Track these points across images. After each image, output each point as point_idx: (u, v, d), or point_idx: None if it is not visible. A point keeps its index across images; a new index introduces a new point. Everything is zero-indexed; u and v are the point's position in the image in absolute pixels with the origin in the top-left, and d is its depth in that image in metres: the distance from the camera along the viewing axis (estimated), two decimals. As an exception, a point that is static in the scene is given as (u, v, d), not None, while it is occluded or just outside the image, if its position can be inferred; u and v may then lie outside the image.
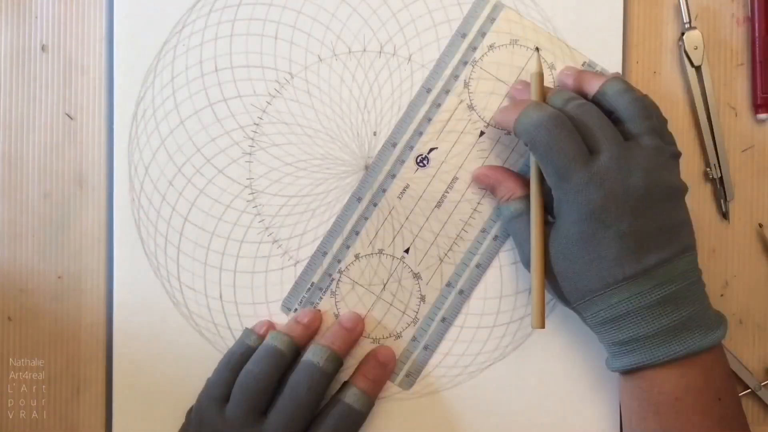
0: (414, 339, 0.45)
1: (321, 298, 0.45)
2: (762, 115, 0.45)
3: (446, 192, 0.45)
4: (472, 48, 0.45)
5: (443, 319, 0.45)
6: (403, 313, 0.45)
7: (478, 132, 0.45)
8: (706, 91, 0.45)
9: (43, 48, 0.46)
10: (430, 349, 0.45)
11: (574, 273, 0.39)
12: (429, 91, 0.45)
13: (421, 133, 0.45)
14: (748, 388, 0.45)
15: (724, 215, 0.45)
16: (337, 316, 0.45)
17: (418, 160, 0.45)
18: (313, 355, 0.41)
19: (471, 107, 0.45)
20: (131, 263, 0.45)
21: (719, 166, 0.45)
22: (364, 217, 0.45)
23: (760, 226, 0.45)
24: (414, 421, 0.45)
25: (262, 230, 0.45)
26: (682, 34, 0.45)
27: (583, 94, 0.41)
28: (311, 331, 0.44)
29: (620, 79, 0.40)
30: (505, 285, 0.45)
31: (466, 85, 0.45)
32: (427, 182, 0.45)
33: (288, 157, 0.45)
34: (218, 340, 0.45)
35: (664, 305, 0.37)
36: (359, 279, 0.45)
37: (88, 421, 0.45)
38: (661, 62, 0.45)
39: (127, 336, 0.45)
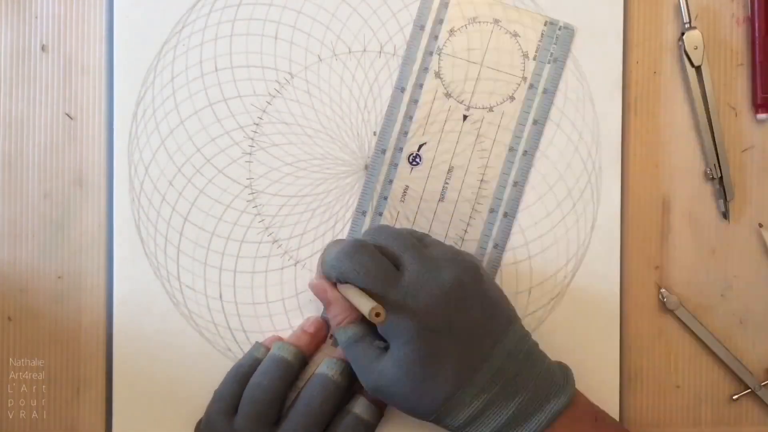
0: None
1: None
2: (762, 115, 0.45)
3: (446, 183, 0.45)
4: (434, 37, 0.45)
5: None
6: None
7: (461, 117, 0.45)
8: (706, 91, 0.45)
9: (43, 48, 0.46)
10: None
11: (422, 389, 0.38)
12: (403, 90, 0.45)
13: (406, 133, 0.45)
14: (748, 388, 0.45)
15: (724, 215, 0.45)
16: None
17: (411, 160, 0.45)
18: (327, 368, 0.41)
19: (448, 95, 0.45)
20: (131, 263, 0.45)
21: (719, 166, 0.45)
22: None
23: (760, 226, 0.45)
24: (414, 421, 0.45)
25: (262, 230, 0.45)
26: (682, 34, 0.45)
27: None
28: (318, 340, 0.44)
29: (334, 243, 0.41)
30: (505, 285, 0.45)
31: (437, 75, 0.45)
32: (425, 179, 0.45)
33: (288, 157, 0.45)
34: (218, 340, 0.45)
35: (514, 384, 0.38)
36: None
37: (88, 421, 0.45)
38: (661, 62, 0.45)
39: (127, 336, 0.45)
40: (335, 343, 0.44)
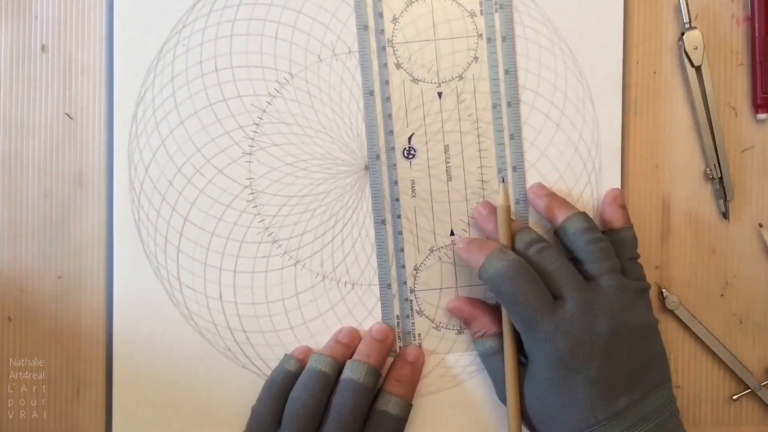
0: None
1: (413, 323, 0.45)
2: (762, 115, 0.45)
3: (447, 162, 0.45)
4: (380, 32, 0.45)
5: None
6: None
7: (436, 95, 0.45)
8: (706, 91, 0.45)
9: (43, 48, 0.46)
10: (430, 349, 0.45)
11: (548, 417, 0.39)
12: (372, 93, 0.45)
13: (392, 132, 0.45)
14: (748, 388, 0.45)
15: (724, 215, 0.45)
16: (437, 328, 0.45)
17: (406, 154, 0.45)
18: (352, 372, 0.41)
19: (415, 80, 0.45)
20: (131, 263, 0.45)
21: (719, 166, 0.45)
22: (398, 232, 0.45)
23: (761, 226, 0.45)
24: (415, 421, 0.45)
25: (262, 230, 0.45)
26: (682, 34, 0.45)
27: (549, 220, 0.43)
28: (352, 349, 0.44)
29: (582, 216, 0.41)
30: (505, 285, 0.45)
31: (398, 66, 0.45)
32: (426, 166, 0.45)
33: (288, 157, 0.45)
34: (218, 340, 0.45)
35: None
36: (432, 284, 0.45)
37: (88, 421, 0.45)
38: (661, 62, 0.45)
39: (127, 336, 0.45)
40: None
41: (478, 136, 0.45)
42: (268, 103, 0.45)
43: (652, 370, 0.39)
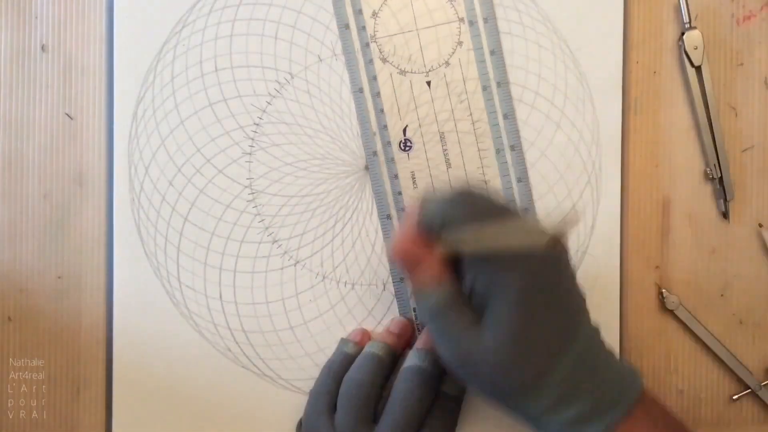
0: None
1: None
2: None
3: (444, 150, 0.45)
4: (362, 28, 0.45)
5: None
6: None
7: (426, 84, 0.45)
8: (706, 91, 0.45)
9: (43, 48, 0.46)
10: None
11: (517, 360, 0.34)
12: (361, 90, 0.45)
13: (385, 126, 0.45)
14: (748, 388, 0.45)
15: (724, 215, 0.45)
16: None
17: (402, 147, 0.45)
18: (417, 359, 0.41)
19: (402, 72, 0.45)
20: (131, 263, 0.45)
21: (719, 166, 0.45)
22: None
23: (760, 226, 0.45)
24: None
25: (262, 230, 0.45)
26: (682, 34, 0.45)
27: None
28: (404, 340, 0.44)
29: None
30: (505, 285, 0.45)
31: (384, 60, 0.45)
32: (425, 157, 0.45)
33: (288, 157, 0.45)
34: (218, 340, 0.45)
35: (591, 377, 0.35)
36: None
37: (88, 421, 0.45)
38: (661, 62, 0.45)
39: (127, 336, 0.45)
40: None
41: (473, 122, 0.45)
42: (268, 103, 0.45)
43: (578, 294, 0.36)
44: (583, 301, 0.37)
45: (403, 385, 0.41)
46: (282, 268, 0.45)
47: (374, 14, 0.45)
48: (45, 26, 0.46)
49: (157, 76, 0.45)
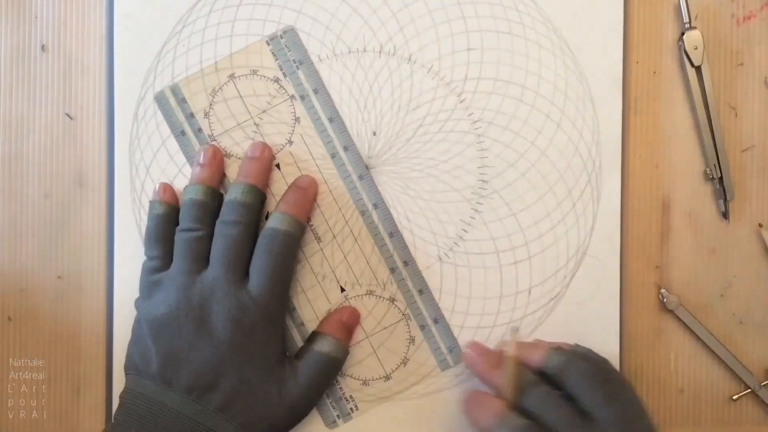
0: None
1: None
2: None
3: (321, 248, 0.45)
4: (197, 130, 0.45)
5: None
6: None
7: (276, 168, 0.45)
8: (706, 91, 0.45)
9: (43, 48, 0.46)
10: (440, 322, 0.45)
11: None
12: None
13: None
14: (749, 388, 0.45)
15: (724, 215, 0.45)
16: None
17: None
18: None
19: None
20: (131, 263, 0.45)
21: (719, 166, 0.45)
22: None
23: (760, 226, 0.45)
24: (414, 421, 0.45)
25: (262, 230, 0.45)
26: (682, 34, 0.45)
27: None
28: (215, 167, 0.44)
29: (558, 351, 0.41)
30: (505, 285, 0.45)
31: (228, 155, 0.45)
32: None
33: (288, 157, 0.45)
34: (218, 340, 0.45)
35: None
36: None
37: (88, 421, 0.45)
38: (661, 62, 0.45)
39: (127, 336, 0.45)
40: None
41: (330, 192, 0.45)
42: (268, 103, 0.45)
43: None
44: None
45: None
46: (282, 268, 0.45)
47: (206, 114, 0.45)
48: (45, 26, 0.46)
49: (157, 76, 0.45)
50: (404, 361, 0.45)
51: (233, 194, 0.42)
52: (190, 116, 0.45)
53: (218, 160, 0.44)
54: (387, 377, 0.45)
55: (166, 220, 0.43)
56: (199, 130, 0.45)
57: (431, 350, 0.45)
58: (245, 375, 0.40)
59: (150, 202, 0.44)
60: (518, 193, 0.45)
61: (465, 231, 0.45)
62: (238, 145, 0.45)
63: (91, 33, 0.46)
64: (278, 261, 0.41)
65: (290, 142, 0.45)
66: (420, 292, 0.45)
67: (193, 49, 0.45)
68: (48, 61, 0.46)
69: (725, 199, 0.45)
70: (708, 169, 0.45)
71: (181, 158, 0.45)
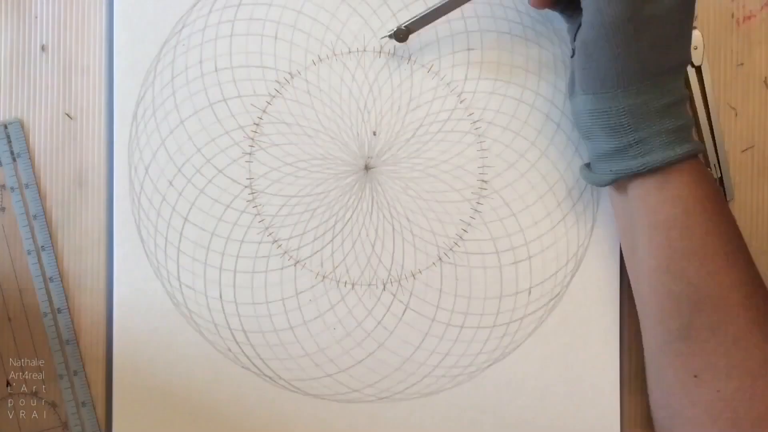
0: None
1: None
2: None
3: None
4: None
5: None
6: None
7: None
8: (706, 91, 0.45)
9: (43, 48, 0.46)
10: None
11: (676, 43, 0.38)
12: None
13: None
14: (748, 388, 0.45)
15: (724, 215, 0.45)
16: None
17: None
18: None
19: None
20: (131, 263, 0.45)
21: (719, 166, 0.45)
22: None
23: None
24: (414, 422, 0.45)
25: (262, 230, 0.45)
26: (682, 34, 0.45)
27: None
28: None
29: None
30: (505, 285, 0.45)
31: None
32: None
33: (288, 157, 0.45)
34: (218, 340, 0.45)
35: (678, 106, 0.38)
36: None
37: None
38: (661, 62, 0.45)
39: (127, 336, 0.45)
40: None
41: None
42: (268, 103, 0.45)
43: (688, 40, 0.39)
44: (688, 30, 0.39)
45: None
46: (282, 268, 0.45)
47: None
48: (45, 26, 0.46)
49: (157, 76, 0.45)
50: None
51: None
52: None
53: None
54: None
55: None
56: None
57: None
58: None
59: None
60: (518, 193, 0.45)
61: (465, 231, 0.45)
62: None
63: (91, 33, 0.46)
64: None
65: None
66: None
67: (193, 48, 0.45)
68: (48, 61, 0.46)
69: (725, 200, 0.45)
70: (708, 170, 0.45)
71: (180, 158, 0.45)
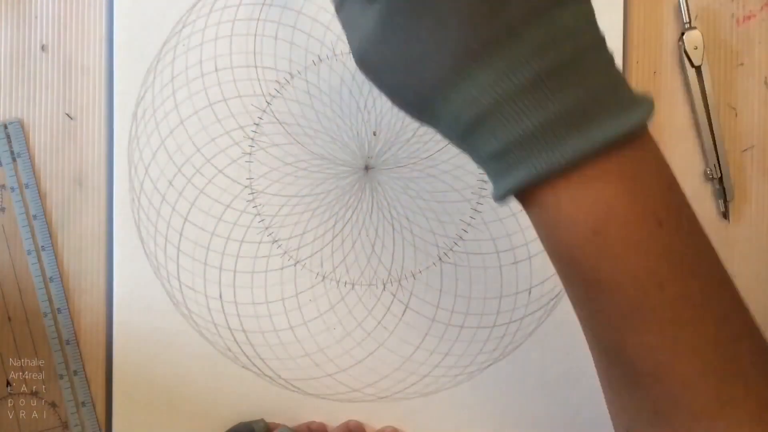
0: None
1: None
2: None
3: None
4: None
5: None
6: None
7: None
8: (706, 91, 0.45)
9: (43, 48, 0.46)
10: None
11: (411, 60, 0.25)
12: None
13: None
14: (748, 388, 0.45)
15: (724, 215, 0.45)
16: None
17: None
18: None
19: None
20: (131, 263, 0.45)
21: (719, 166, 0.45)
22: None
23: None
24: (414, 421, 0.45)
25: (262, 230, 0.45)
26: (682, 34, 0.45)
27: None
28: None
29: None
30: (505, 285, 0.45)
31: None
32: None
33: (288, 157, 0.45)
34: (218, 340, 0.45)
35: (548, 82, 0.24)
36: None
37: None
38: (661, 62, 0.45)
39: (127, 336, 0.45)
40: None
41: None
42: (268, 103, 0.45)
43: None
44: None
45: None
46: (282, 268, 0.45)
47: None
48: (45, 26, 0.46)
49: (157, 76, 0.45)
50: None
51: None
52: None
53: None
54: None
55: None
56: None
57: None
58: None
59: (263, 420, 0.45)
60: (518, 193, 0.45)
61: (465, 231, 0.45)
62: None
63: (91, 33, 0.46)
64: None
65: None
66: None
67: (193, 48, 0.45)
68: (48, 61, 0.46)
69: (725, 200, 0.45)
70: (708, 170, 0.45)
71: (180, 158, 0.45)
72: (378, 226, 0.45)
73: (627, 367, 0.26)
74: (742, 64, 0.45)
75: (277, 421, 0.45)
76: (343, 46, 0.45)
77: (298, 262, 0.45)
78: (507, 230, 0.45)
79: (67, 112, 0.46)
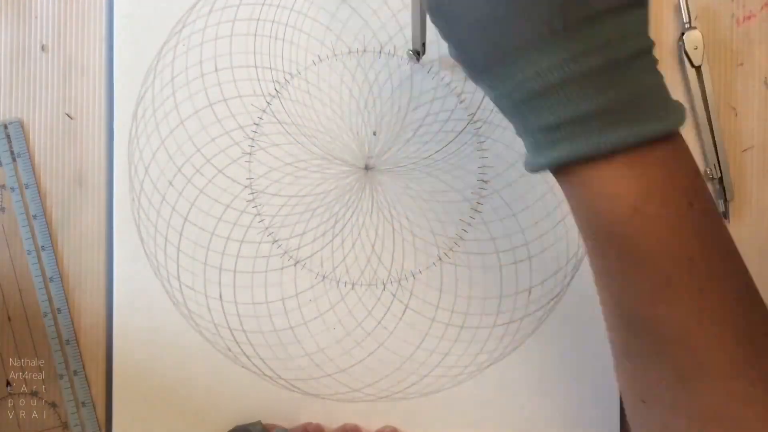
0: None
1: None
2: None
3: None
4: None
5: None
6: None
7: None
8: (706, 91, 0.45)
9: (43, 48, 0.46)
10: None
11: (498, 17, 0.27)
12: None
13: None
14: (748, 388, 0.45)
15: (724, 215, 0.45)
16: None
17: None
18: None
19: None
20: (131, 263, 0.45)
21: (719, 166, 0.45)
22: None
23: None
24: (414, 421, 0.45)
25: (262, 230, 0.45)
26: (682, 34, 0.45)
27: None
28: None
29: None
30: (505, 285, 0.45)
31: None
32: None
33: (288, 157, 0.45)
34: (218, 340, 0.45)
35: (611, 73, 0.27)
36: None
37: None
38: (661, 62, 0.45)
39: (127, 336, 0.45)
40: None
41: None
42: (268, 103, 0.45)
43: None
44: None
45: None
46: (282, 268, 0.45)
47: None
48: (45, 26, 0.46)
49: (157, 76, 0.45)
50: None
51: None
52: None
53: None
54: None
55: None
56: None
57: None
58: None
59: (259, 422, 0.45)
60: (518, 193, 0.45)
61: (465, 231, 0.45)
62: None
63: (91, 33, 0.46)
64: None
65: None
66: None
67: (193, 48, 0.45)
68: (48, 61, 0.46)
69: (725, 199, 0.45)
70: (708, 169, 0.45)
71: (179, 158, 0.45)
72: (378, 226, 0.45)
73: (653, 337, 0.29)
74: (742, 64, 0.45)
75: (276, 422, 0.45)
76: (343, 46, 0.45)
77: (298, 262, 0.45)
78: (507, 230, 0.45)
79: (67, 112, 0.46)
